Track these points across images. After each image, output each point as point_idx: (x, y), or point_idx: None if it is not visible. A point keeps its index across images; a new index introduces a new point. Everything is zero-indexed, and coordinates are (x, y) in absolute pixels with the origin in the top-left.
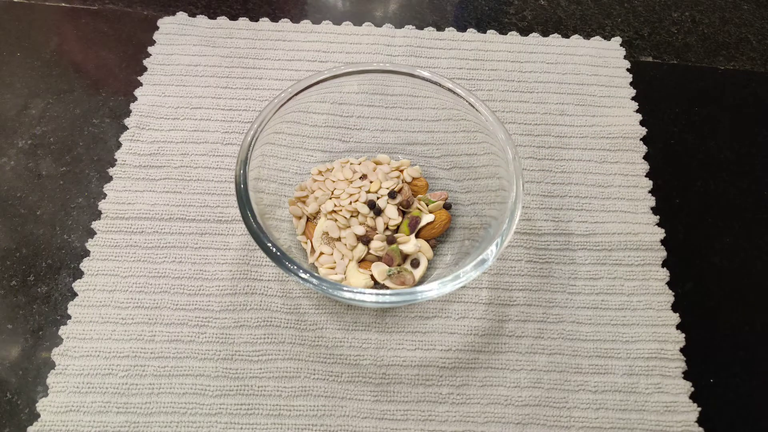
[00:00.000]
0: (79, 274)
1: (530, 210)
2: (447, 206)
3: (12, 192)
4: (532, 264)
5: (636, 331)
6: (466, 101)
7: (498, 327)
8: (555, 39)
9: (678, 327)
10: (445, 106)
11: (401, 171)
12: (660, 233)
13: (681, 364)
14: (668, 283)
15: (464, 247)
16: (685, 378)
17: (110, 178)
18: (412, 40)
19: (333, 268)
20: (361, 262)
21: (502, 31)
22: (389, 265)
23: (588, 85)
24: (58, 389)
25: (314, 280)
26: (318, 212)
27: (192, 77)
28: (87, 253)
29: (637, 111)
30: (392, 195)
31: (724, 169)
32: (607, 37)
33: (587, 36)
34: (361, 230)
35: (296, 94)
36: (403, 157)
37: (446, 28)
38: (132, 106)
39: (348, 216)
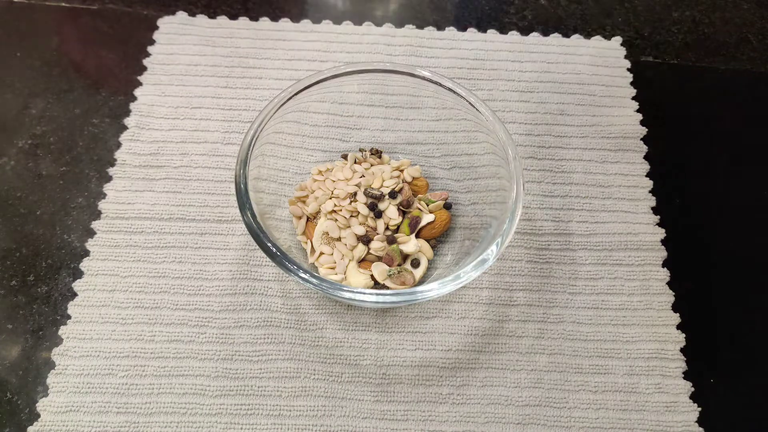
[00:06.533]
0: (79, 274)
1: (531, 210)
2: (447, 206)
3: (12, 192)
4: (533, 264)
5: (636, 331)
6: (467, 101)
7: (498, 327)
8: (555, 39)
9: (678, 327)
10: (446, 106)
11: (401, 171)
12: (660, 233)
13: (681, 364)
14: (668, 283)
15: (464, 247)
16: (685, 378)
17: (110, 178)
18: (413, 40)
19: (333, 268)
20: (361, 262)
21: (503, 30)
22: (389, 265)
23: (588, 84)
24: (58, 389)
25: (314, 280)
26: (318, 212)
27: (192, 77)
28: (87, 253)
29: (638, 111)
30: (392, 195)
31: (724, 169)
32: (608, 37)
33: (588, 36)
34: (361, 230)
35: (296, 94)
36: (403, 157)
37: (446, 28)
38: (132, 106)
39: (348, 216)
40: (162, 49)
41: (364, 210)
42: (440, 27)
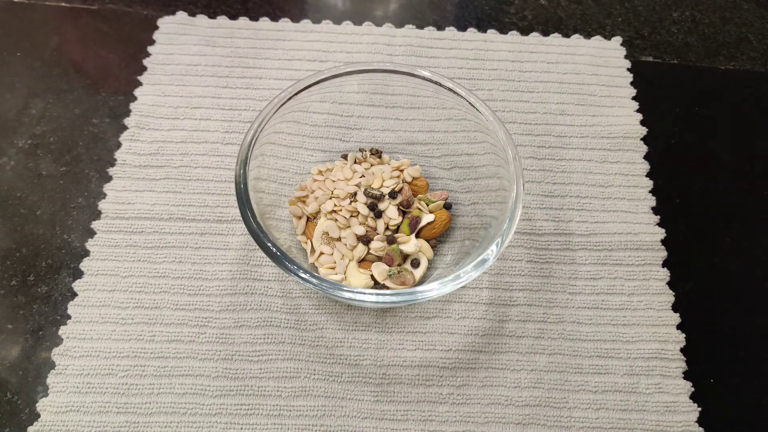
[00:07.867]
0: (79, 274)
1: (531, 210)
2: (447, 206)
3: (12, 192)
4: (533, 264)
5: (636, 331)
6: (467, 101)
7: (498, 327)
8: (555, 39)
9: (678, 327)
10: (446, 106)
11: (401, 171)
12: (660, 233)
13: (681, 364)
14: (668, 283)
15: (464, 247)
16: (685, 378)
17: (110, 178)
18: (413, 40)
19: (333, 268)
20: (361, 262)
21: (503, 30)
22: (389, 265)
23: (588, 84)
24: (58, 389)
25: (314, 280)
26: (318, 212)
27: (192, 77)
28: (87, 253)
29: (638, 111)
30: (392, 195)
31: (724, 169)
32: (608, 37)
33: (588, 36)
34: (361, 230)
35: (296, 94)
36: (403, 157)
37: (446, 28)
38: (132, 105)
39: (348, 216)
40: (162, 49)
41: (364, 210)
42: (440, 27)
